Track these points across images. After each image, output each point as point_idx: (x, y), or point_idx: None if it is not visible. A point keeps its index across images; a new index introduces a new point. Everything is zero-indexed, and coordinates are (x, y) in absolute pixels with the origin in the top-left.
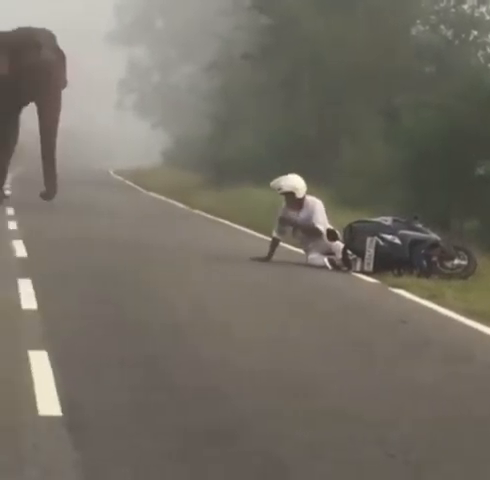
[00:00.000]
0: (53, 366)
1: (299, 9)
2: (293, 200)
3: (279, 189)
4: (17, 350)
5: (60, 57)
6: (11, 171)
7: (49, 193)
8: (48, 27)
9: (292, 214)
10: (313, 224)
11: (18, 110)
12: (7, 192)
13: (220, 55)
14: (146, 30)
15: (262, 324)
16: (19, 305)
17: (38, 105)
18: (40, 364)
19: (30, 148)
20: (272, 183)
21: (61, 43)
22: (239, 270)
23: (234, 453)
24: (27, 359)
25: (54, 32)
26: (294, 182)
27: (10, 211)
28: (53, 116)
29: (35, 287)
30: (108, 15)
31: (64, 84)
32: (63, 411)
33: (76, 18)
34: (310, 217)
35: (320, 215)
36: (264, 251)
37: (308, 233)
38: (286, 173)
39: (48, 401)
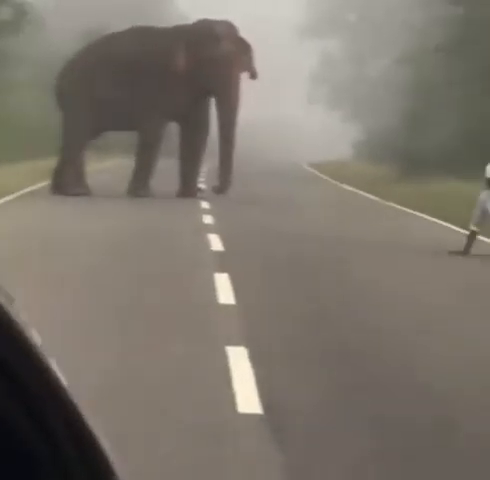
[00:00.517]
0: (252, 363)
1: None
2: None
3: None
4: (215, 346)
5: (243, 48)
6: (205, 165)
7: (222, 187)
8: (239, 21)
9: None
10: None
11: (200, 103)
12: (202, 186)
13: (414, 47)
14: (339, 23)
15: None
16: (216, 300)
17: (217, 98)
18: (239, 361)
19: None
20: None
21: (251, 36)
22: (441, 264)
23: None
24: (225, 356)
25: (245, 25)
26: None
27: (205, 205)
28: (232, 109)
29: (232, 282)
30: (300, 8)
31: (254, 75)
32: (264, 410)
33: (267, 12)
34: None
35: None
36: (462, 244)
37: None
38: (483, 164)
39: (248, 399)
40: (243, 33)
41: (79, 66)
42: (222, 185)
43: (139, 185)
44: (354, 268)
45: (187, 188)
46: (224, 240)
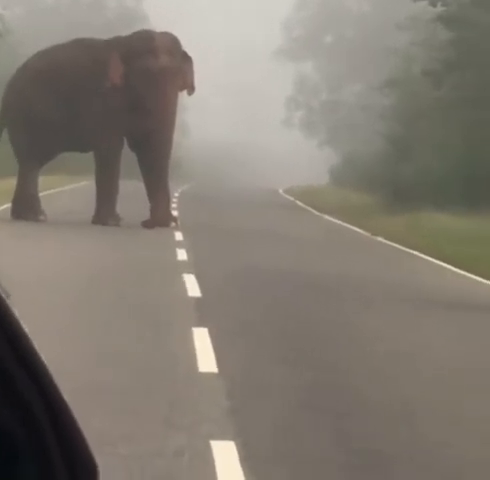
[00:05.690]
0: (242, 460)
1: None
2: None
3: None
4: (197, 440)
5: (183, 62)
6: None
7: (155, 221)
8: (217, 42)
9: None
10: None
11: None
12: (176, 213)
13: (396, 71)
14: (315, 45)
15: None
16: (196, 366)
17: (150, 115)
18: (226, 459)
19: (200, 160)
20: None
21: (227, 59)
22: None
23: None
24: (210, 450)
25: (221, 47)
26: None
27: (178, 236)
28: (164, 127)
29: (213, 340)
30: (276, 31)
31: (191, 90)
32: None
33: (244, 34)
34: None
35: None
36: (473, 291)
37: None
38: (472, 197)
39: None
40: (218, 53)
41: (18, 82)
42: (157, 218)
43: (105, 212)
44: (350, 321)
45: (158, 216)
46: (201, 282)
